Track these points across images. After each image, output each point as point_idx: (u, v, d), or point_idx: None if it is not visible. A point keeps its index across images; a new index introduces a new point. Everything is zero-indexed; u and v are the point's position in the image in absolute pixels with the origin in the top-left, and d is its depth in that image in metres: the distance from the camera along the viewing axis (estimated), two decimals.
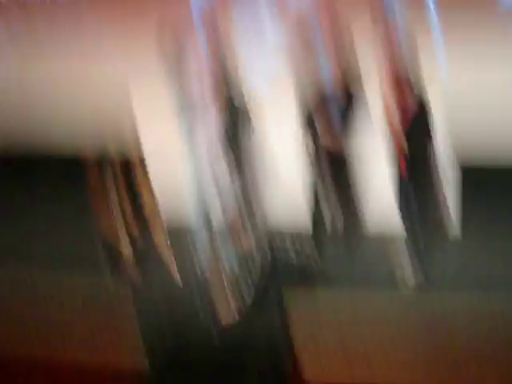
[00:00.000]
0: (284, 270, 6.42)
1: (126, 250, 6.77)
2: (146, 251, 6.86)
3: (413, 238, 7.06)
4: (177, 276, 6.88)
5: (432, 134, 6.86)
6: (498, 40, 7.43)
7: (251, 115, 7.09)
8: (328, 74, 7.46)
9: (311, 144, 7.52)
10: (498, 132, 7.65)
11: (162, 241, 6.90)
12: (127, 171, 6.78)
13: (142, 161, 7.08)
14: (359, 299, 6.79)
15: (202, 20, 7.36)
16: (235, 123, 6.98)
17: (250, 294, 6.18)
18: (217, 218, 7.10)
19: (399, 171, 6.97)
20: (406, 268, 6.97)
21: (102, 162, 6.97)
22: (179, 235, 7.65)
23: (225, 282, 6.40)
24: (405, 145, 6.75)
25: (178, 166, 7.47)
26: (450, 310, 6.74)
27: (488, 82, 7.52)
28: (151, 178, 6.93)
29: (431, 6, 7.64)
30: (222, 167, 7.05)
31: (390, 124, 6.83)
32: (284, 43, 8.18)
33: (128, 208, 6.73)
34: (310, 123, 7.50)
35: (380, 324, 6.75)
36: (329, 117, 7.40)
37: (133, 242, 6.80)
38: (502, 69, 7.53)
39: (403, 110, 6.80)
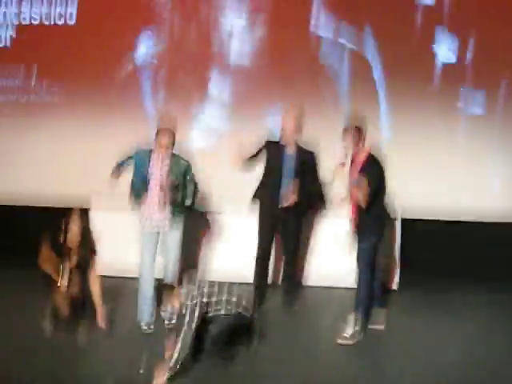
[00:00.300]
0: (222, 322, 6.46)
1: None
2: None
3: (359, 290, 7.11)
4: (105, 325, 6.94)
5: (383, 186, 6.98)
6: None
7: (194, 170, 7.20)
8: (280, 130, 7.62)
9: (260, 198, 7.67)
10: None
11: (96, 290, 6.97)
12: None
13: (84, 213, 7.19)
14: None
15: None
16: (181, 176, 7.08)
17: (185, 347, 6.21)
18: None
19: (351, 219, 7.06)
20: (348, 319, 7.06)
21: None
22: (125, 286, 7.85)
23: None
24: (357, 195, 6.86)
25: (126, 221, 7.61)
26: None
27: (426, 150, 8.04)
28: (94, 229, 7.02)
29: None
30: (165, 222, 7.12)
31: (345, 177, 6.95)
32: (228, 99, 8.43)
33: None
34: (262, 182, 7.65)
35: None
36: (279, 172, 7.51)
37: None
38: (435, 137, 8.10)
39: (356, 162, 6.93)
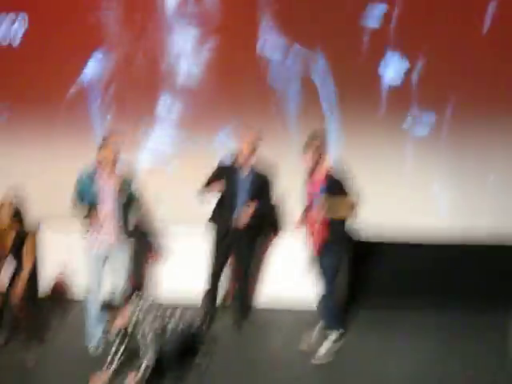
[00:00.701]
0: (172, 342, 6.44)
1: None
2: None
3: (327, 308, 7.12)
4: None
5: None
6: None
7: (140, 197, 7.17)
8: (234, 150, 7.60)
9: (215, 221, 7.65)
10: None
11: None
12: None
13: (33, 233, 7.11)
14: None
15: None
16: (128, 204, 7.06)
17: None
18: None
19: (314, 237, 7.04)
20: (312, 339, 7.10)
21: None
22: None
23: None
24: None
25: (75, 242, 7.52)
26: None
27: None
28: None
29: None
30: (114, 243, 7.08)
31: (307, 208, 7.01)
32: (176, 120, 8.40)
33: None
34: (218, 205, 7.62)
35: None
36: (235, 194, 7.50)
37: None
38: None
39: (316, 179, 6.95)
